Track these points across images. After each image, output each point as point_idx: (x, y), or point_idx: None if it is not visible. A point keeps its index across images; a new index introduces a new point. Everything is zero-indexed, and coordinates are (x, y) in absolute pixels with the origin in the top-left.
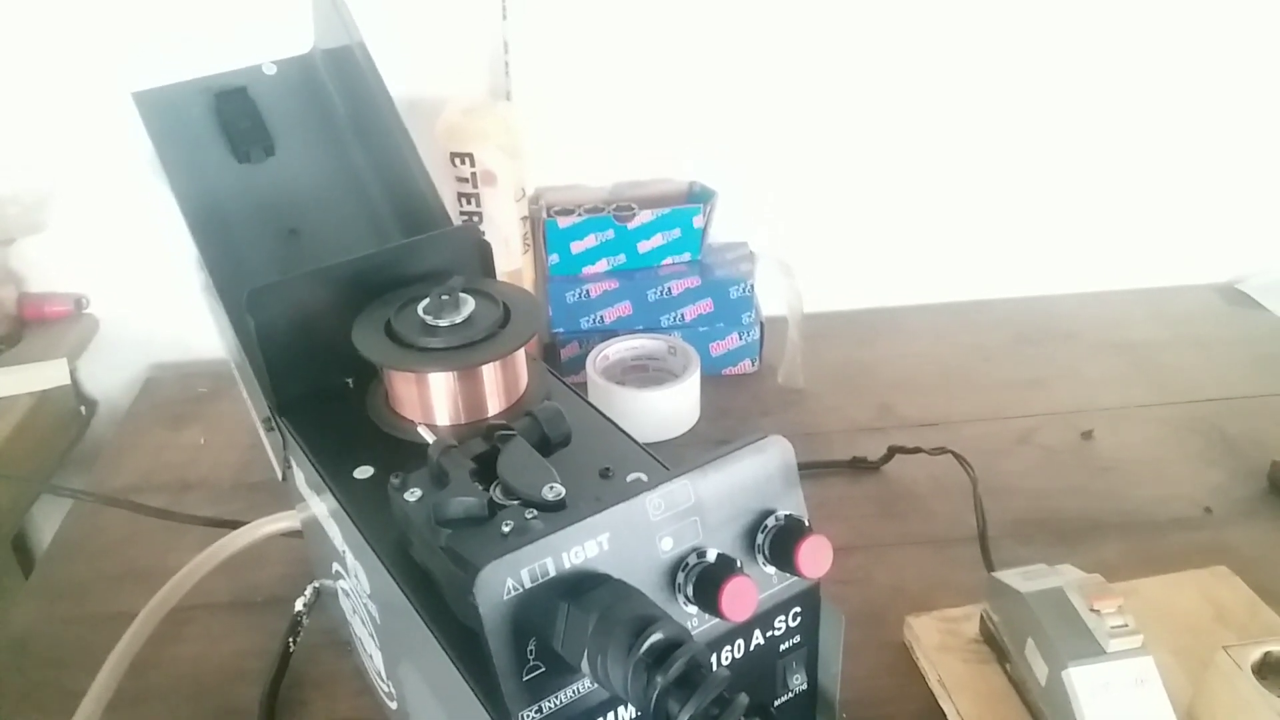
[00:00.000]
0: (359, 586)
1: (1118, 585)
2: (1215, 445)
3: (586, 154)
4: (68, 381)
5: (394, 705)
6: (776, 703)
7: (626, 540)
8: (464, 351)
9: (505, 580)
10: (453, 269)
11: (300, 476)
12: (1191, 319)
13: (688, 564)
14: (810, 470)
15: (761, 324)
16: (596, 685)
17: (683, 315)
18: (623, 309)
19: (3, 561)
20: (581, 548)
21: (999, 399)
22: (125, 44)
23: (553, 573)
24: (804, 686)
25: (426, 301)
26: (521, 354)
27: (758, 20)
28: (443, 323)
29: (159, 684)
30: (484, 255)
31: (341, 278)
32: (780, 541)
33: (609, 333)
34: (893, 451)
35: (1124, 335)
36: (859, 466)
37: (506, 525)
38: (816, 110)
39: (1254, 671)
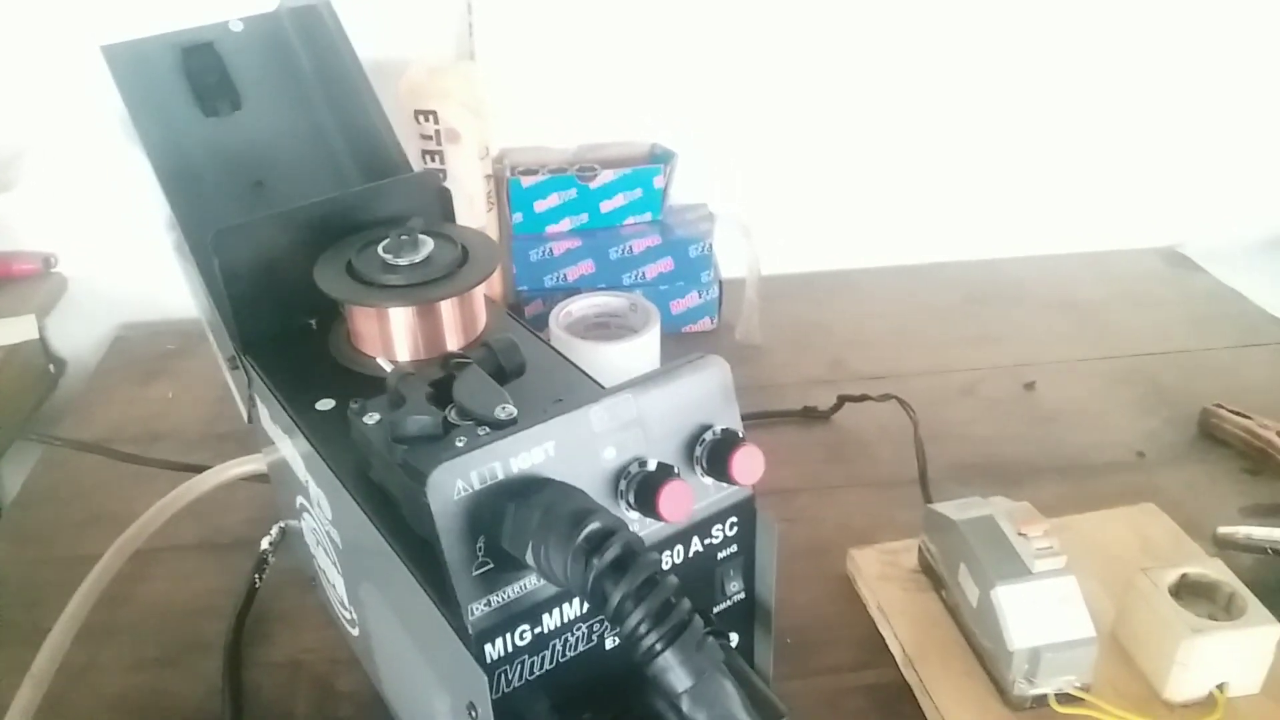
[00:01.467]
0: (321, 515)
1: (1051, 521)
2: (1150, 395)
3: (550, 116)
4: (35, 336)
5: (355, 632)
6: (716, 609)
7: (571, 449)
8: (422, 288)
9: (455, 482)
10: (413, 214)
11: (265, 414)
12: (1133, 280)
13: (629, 472)
14: (763, 419)
15: (720, 283)
16: (541, 583)
17: (644, 274)
18: (585, 267)
19: None
20: (528, 454)
21: (946, 354)
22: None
23: (501, 476)
24: (742, 595)
25: (386, 241)
26: (480, 293)
27: None
28: (402, 261)
29: (128, 619)
30: (444, 201)
31: (305, 220)
32: (716, 452)
33: (572, 290)
34: (842, 401)
35: (1068, 295)
36: (810, 415)
37: (460, 441)
38: (775, 78)
39: (1170, 592)
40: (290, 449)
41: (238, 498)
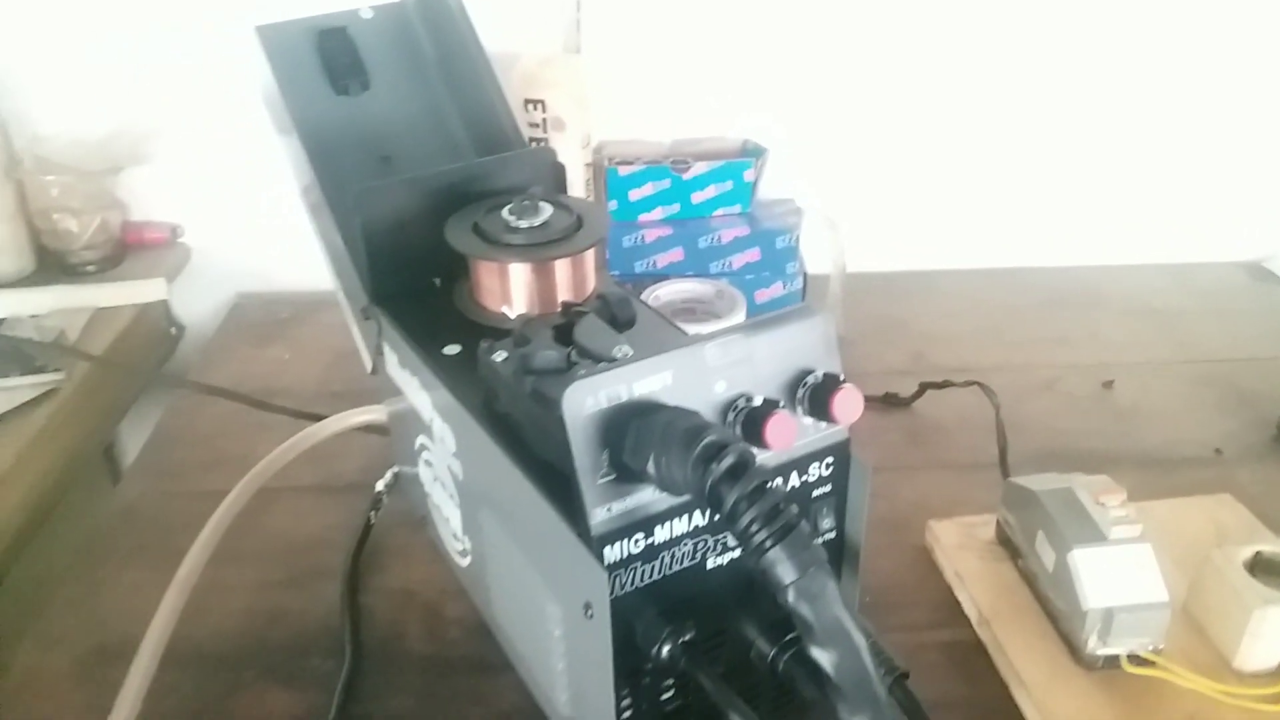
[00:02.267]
0: (444, 451)
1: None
2: (1229, 398)
3: (647, 111)
4: (166, 296)
5: (466, 562)
6: None
7: (687, 379)
8: (541, 248)
9: (587, 399)
10: (531, 185)
11: (392, 360)
12: (1216, 292)
13: (738, 405)
14: None
15: (805, 275)
16: (655, 497)
17: (731, 263)
18: (675, 255)
19: (95, 462)
20: (649, 380)
21: (1026, 352)
22: None
23: (624, 399)
24: (833, 534)
25: (510, 205)
26: (591, 256)
27: None
28: (524, 224)
29: (254, 547)
30: (558, 175)
31: (436, 186)
32: (818, 394)
33: (661, 277)
34: (924, 387)
35: (1149, 303)
36: (891, 402)
37: (582, 372)
38: (866, 84)
39: (1245, 568)
40: (416, 391)
41: (352, 447)
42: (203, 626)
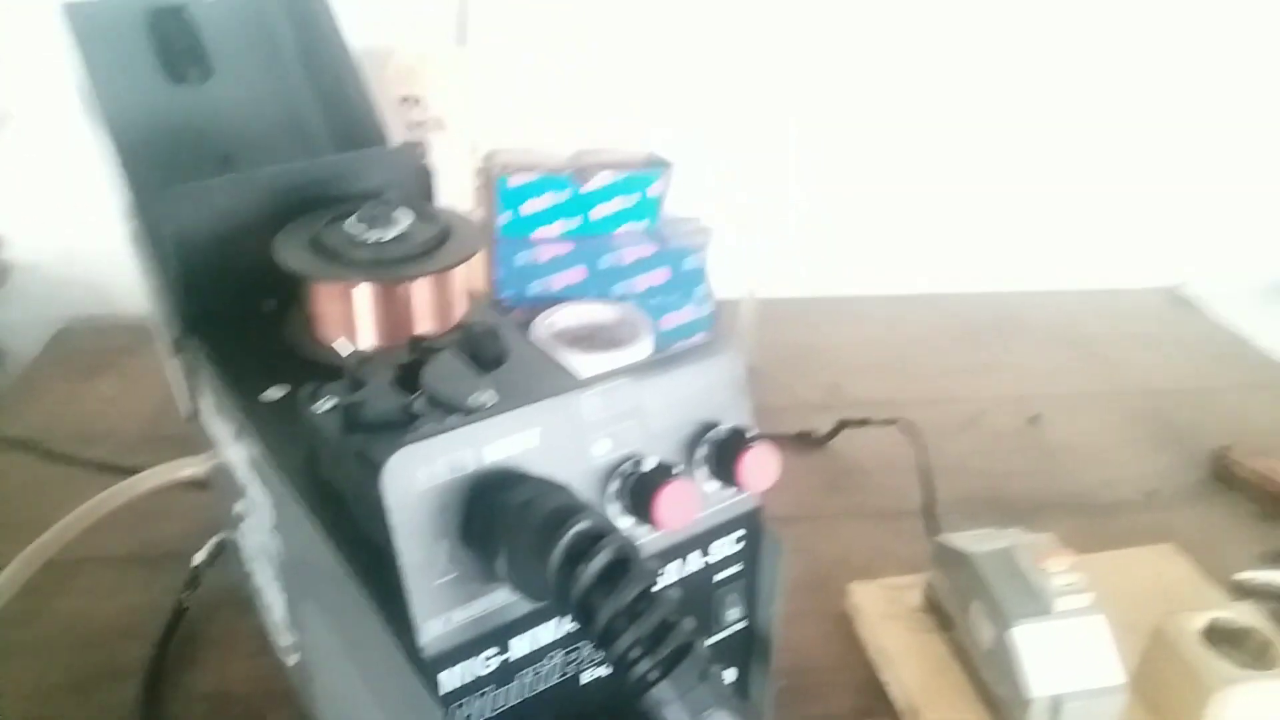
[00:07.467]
0: (262, 521)
1: None
2: (1160, 433)
3: (544, 117)
4: None
5: (293, 660)
6: (711, 640)
7: (558, 439)
8: (393, 266)
9: (418, 471)
10: (390, 191)
11: (210, 403)
12: (1137, 318)
13: (623, 471)
14: None
15: (713, 299)
16: (513, 599)
17: (635, 285)
18: (574, 275)
19: None
20: (507, 441)
21: (947, 384)
22: None
23: (472, 468)
24: (743, 624)
25: (358, 213)
26: (459, 277)
27: None
28: (372, 236)
29: (38, 638)
30: (424, 179)
31: (269, 189)
32: (723, 452)
33: (558, 300)
34: (841, 425)
35: (1072, 331)
36: (805, 441)
37: (416, 432)
38: (777, 97)
39: (1201, 641)
40: (231, 445)
41: (175, 507)
42: None
